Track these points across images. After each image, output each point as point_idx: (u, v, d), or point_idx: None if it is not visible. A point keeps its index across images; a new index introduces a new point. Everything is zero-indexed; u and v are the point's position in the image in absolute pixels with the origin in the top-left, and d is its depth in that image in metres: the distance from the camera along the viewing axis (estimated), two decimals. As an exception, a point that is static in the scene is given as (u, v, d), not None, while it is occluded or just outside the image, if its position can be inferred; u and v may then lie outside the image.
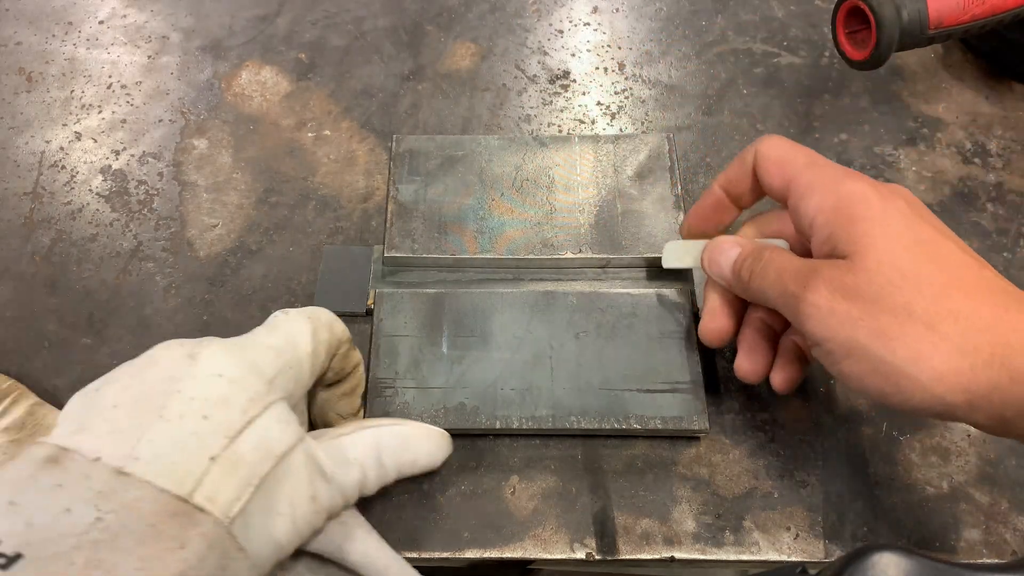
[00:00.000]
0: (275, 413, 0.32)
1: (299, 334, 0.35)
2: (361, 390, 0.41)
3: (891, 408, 0.35)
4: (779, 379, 0.40)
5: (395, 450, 0.37)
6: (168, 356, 0.32)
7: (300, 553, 0.35)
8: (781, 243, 0.41)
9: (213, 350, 0.32)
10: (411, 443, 0.38)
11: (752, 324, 0.41)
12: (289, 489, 0.31)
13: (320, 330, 0.36)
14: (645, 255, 0.46)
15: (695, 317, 0.45)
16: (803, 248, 0.39)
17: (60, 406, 0.43)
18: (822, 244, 0.36)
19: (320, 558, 0.35)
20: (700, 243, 0.42)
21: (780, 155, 0.38)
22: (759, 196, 0.41)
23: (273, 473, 0.31)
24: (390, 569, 0.35)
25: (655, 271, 0.47)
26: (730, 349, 0.46)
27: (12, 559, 0.25)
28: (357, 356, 0.40)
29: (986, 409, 0.31)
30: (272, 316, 0.36)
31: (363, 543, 0.35)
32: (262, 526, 0.30)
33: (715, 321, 0.41)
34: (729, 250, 0.40)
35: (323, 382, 0.38)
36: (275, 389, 0.33)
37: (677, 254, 0.44)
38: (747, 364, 0.40)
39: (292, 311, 0.36)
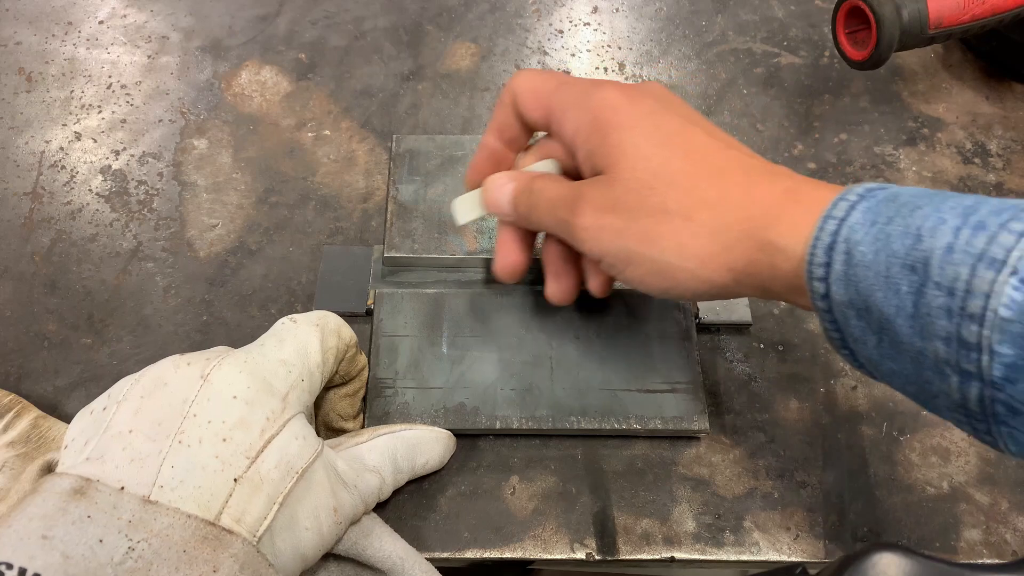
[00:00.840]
0: (293, 429, 0.32)
1: (309, 345, 0.35)
2: (363, 393, 0.41)
3: (678, 299, 0.39)
4: (594, 285, 0.40)
5: (408, 454, 0.38)
6: (179, 377, 0.32)
7: (327, 555, 0.35)
8: (549, 165, 0.40)
9: (225, 370, 0.32)
10: (422, 447, 0.39)
11: (552, 250, 0.41)
12: (312, 503, 0.32)
13: (328, 337, 0.36)
14: (645, 255, 0.46)
15: (695, 317, 0.45)
16: (575, 165, 0.39)
17: (60, 406, 0.43)
18: (585, 161, 0.37)
19: (339, 558, 0.36)
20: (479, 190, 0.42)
21: (534, 86, 0.39)
22: (530, 135, 0.41)
23: (296, 489, 0.31)
24: (406, 562, 0.35)
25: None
26: (730, 349, 0.46)
27: None
28: (363, 360, 0.40)
29: (748, 282, 0.33)
30: (279, 323, 0.36)
31: (380, 540, 0.36)
32: (289, 541, 0.31)
33: (507, 257, 0.41)
34: (504, 186, 0.40)
35: (328, 383, 0.39)
36: (290, 405, 0.33)
37: (466, 207, 0.42)
38: (555, 287, 0.41)
39: (300, 318, 0.36)
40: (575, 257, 0.41)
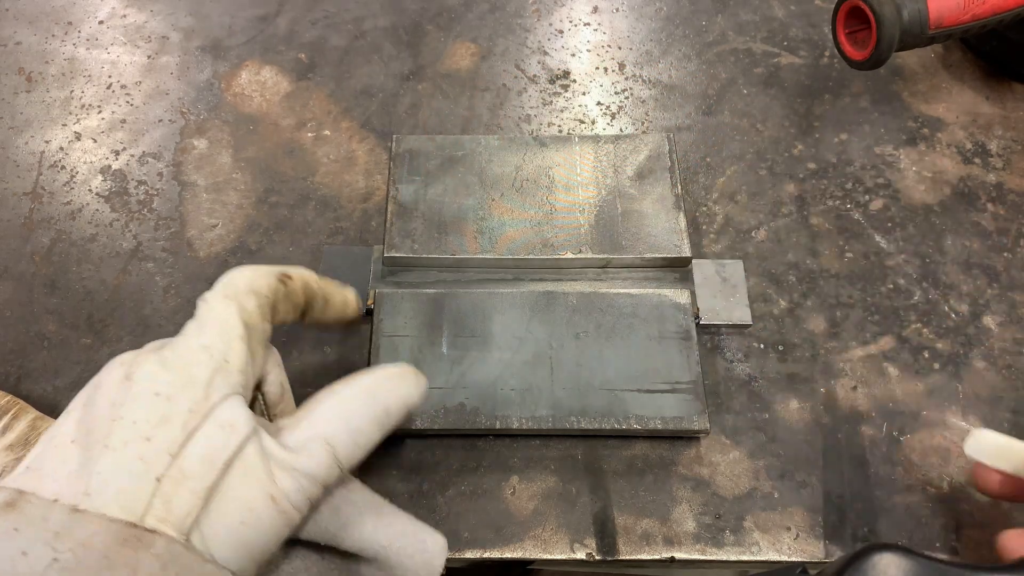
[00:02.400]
0: (218, 418, 0.31)
1: (227, 320, 0.34)
2: (339, 298, 0.40)
3: None
4: None
5: (364, 408, 0.34)
6: (109, 380, 0.31)
7: (296, 543, 0.34)
8: None
9: (147, 368, 0.31)
10: (379, 393, 0.35)
11: None
12: (244, 494, 0.30)
13: (246, 300, 0.34)
14: (645, 255, 0.46)
15: (695, 317, 0.45)
16: None
17: (60, 406, 0.43)
18: None
19: (318, 546, 0.35)
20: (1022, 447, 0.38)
21: None
22: None
23: (224, 481, 0.30)
24: (390, 550, 0.34)
25: (655, 271, 0.47)
26: (730, 349, 0.46)
27: None
28: (305, 282, 0.38)
29: None
30: (198, 304, 0.35)
31: (358, 528, 0.34)
32: (225, 536, 0.30)
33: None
34: None
35: (308, 315, 0.38)
36: (216, 390, 0.32)
37: (989, 448, 0.38)
38: None
39: (209, 295, 0.34)
40: None
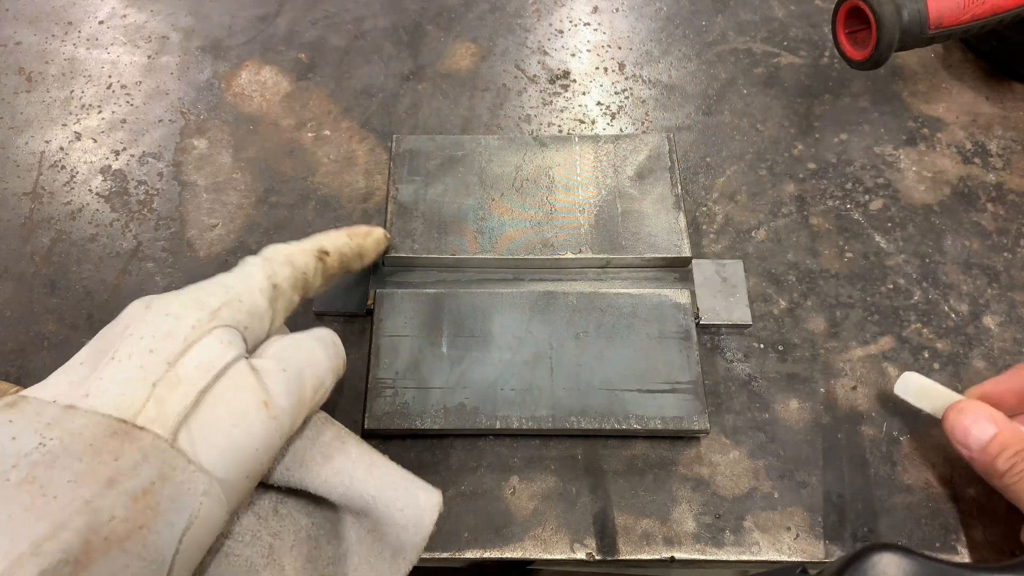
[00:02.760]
0: (217, 334, 0.32)
1: (252, 270, 0.36)
2: (372, 246, 0.43)
3: None
4: None
5: (320, 348, 0.36)
6: (129, 310, 0.33)
7: (266, 488, 0.35)
8: None
9: (168, 297, 0.33)
10: (328, 343, 0.37)
11: None
12: (237, 399, 0.31)
13: (280, 268, 0.36)
14: (645, 255, 0.46)
15: (695, 317, 0.45)
16: None
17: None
18: None
19: (315, 499, 0.35)
20: (945, 393, 0.40)
21: None
22: None
23: (215, 386, 0.31)
24: (377, 501, 0.34)
25: (655, 271, 0.47)
26: (730, 349, 0.46)
27: None
28: (340, 250, 0.40)
29: None
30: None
31: (347, 474, 0.34)
32: (215, 439, 0.30)
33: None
34: (982, 425, 0.37)
35: (347, 272, 0.41)
36: (219, 318, 0.33)
37: (913, 388, 0.41)
38: None
39: (249, 257, 0.37)
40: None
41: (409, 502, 0.34)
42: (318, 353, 0.36)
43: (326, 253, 0.39)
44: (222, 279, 0.35)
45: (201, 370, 0.31)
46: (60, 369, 0.32)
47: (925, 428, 0.44)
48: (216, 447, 0.30)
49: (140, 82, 0.56)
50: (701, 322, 0.45)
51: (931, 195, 0.52)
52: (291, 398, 0.33)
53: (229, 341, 0.32)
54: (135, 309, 0.33)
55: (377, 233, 0.43)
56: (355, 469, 0.34)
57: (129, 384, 0.30)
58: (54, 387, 0.31)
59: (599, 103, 0.56)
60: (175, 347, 0.31)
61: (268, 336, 0.36)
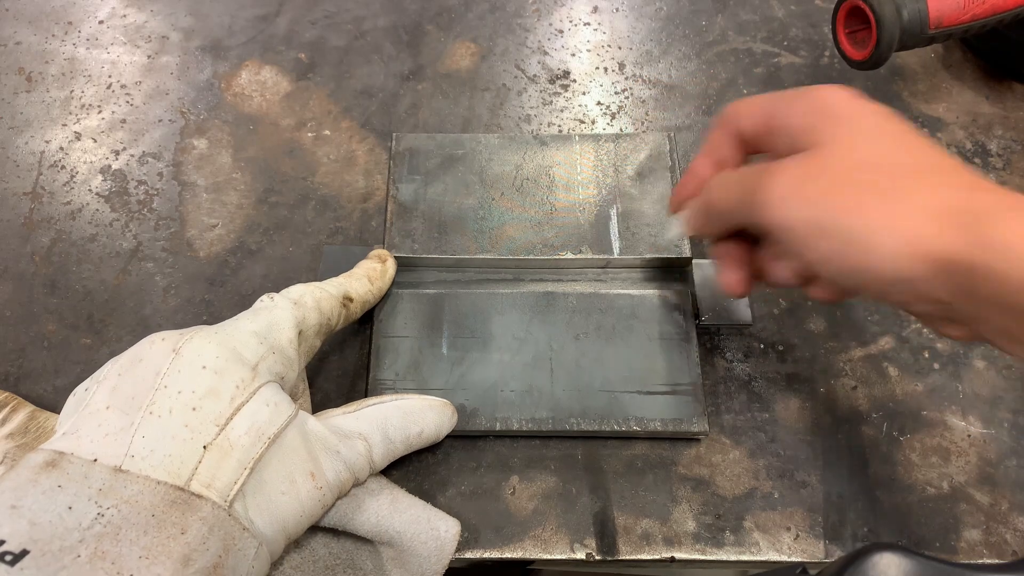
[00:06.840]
0: (264, 396, 0.32)
1: (282, 321, 0.36)
2: (387, 283, 0.44)
3: (855, 286, 0.33)
4: (781, 273, 0.38)
5: (400, 423, 0.38)
6: (152, 352, 0.32)
7: (314, 528, 0.35)
8: None
9: (196, 343, 0.32)
10: (416, 416, 0.38)
11: (728, 246, 0.40)
12: (286, 467, 0.32)
13: (309, 315, 0.37)
14: (645, 255, 0.46)
15: (695, 319, 0.45)
16: None
17: (60, 407, 0.43)
18: (801, 136, 0.35)
19: (334, 531, 0.36)
20: (674, 223, 0.42)
21: (752, 101, 0.38)
22: (743, 157, 0.40)
23: (267, 454, 0.31)
24: (404, 536, 0.35)
25: (655, 272, 0.47)
26: (730, 349, 0.46)
27: (18, 556, 0.26)
28: (364, 299, 0.42)
29: (946, 282, 0.30)
30: (259, 300, 0.37)
31: (374, 513, 0.35)
32: (264, 507, 0.31)
33: (730, 275, 0.40)
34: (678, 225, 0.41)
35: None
36: (261, 374, 0.33)
37: (675, 226, 0.43)
38: (730, 277, 0.39)
39: (278, 296, 0.37)
40: (749, 249, 0.40)
41: (431, 536, 0.36)
42: (396, 433, 0.37)
43: (350, 300, 0.40)
44: (251, 327, 0.35)
45: (252, 436, 0.31)
46: (84, 413, 0.31)
47: (925, 428, 0.44)
48: (265, 512, 0.31)
49: (140, 82, 0.56)
50: (701, 322, 0.45)
51: (931, 195, 0.52)
52: (337, 477, 0.33)
53: (276, 403, 0.33)
54: (160, 351, 0.32)
55: (391, 270, 0.44)
56: (380, 508, 0.36)
57: (176, 444, 0.30)
58: (89, 441, 0.30)
59: (599, 103, 0.56)
60: (221, 408, 0.31)
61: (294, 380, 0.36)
